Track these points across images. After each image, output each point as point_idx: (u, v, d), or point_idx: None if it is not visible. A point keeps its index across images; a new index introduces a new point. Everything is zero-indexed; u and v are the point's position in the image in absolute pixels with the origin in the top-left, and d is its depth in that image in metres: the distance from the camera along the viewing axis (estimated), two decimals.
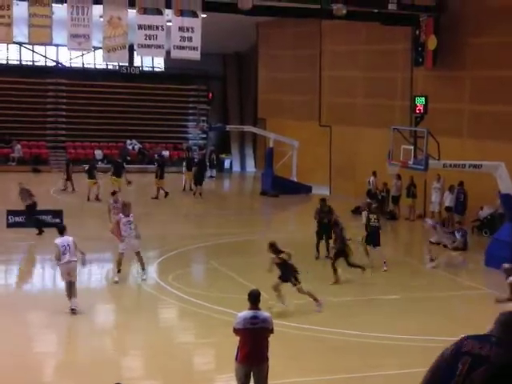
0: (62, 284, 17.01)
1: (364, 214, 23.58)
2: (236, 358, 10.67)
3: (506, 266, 15.31)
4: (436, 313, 17.15)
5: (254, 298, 10.85)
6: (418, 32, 30.54)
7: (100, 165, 40.78)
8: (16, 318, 15.98)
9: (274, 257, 16.36)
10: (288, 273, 16.36)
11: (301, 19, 34.91)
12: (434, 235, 24.62)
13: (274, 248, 16.40)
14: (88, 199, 32.76)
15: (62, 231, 16.91)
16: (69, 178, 35.87)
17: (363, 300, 18.39)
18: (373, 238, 21.61)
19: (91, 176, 33.71)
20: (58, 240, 16.54)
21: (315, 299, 16.66)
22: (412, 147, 23.98)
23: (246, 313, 10.78)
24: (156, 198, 34.28)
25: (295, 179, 38.03)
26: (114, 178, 33.98)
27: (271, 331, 10.81)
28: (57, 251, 16.36)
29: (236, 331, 10.74)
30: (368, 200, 24.28)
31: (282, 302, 16.45)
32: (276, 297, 16.38)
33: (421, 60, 30.57)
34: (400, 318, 16.79)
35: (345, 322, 16.01)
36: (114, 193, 24.60)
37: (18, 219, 26.01)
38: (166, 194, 34.45)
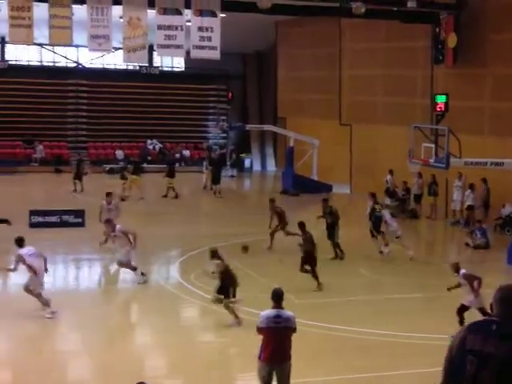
0: (93, 283, 16.97)
1: (369, 204, 23.70)
2: (259, 357, 10.67)
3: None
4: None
5: (278, 297, 10.82)
6: (438, 29, 30.40)
7: (121, 165, 40.92)
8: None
9: (218, 262, 15.85)
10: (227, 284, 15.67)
11: (320, 18, 34.82)
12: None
13: (214, 255, 15.94)
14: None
15: (21, 243, 16.25)
16: (79, 178, 35.58)
17: (384, 299, 18.34)
18: (375, 226, 22.64)
19: (123, 176, 34.03)
20: (23, 251, 15.99)
21: (236, 316, 15.65)
22: (433, 145, 23.90)
23: (269, 312, 10.77)
24: (165, 196, 34.30)
25: (316, 178, 37.99)
26: (133, 177, 34.09)
27: (294, 330, 10.78)
28: (27, 263, 15.78)
29: (259, 330, 10.73)
30: (371, 192, 24.51)
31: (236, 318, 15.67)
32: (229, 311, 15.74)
33: (441, 58, 30.43)
34: (422, 316, 16.73)
35: (368, 321, 15.96)
36: (108, 194, 24.05)
37: (40, 219, 26.17)
38: (176, 195, 34.24)
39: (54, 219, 25.96)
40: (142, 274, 19.08)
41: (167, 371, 13.72)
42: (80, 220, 26.30)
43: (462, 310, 15.06)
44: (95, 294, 19.10)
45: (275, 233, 23.47)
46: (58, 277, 20.90)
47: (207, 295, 17.53)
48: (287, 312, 10.85)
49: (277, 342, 10.62)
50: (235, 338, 14.98)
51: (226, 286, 15.61)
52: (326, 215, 22.68)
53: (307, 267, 18.61)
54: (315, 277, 18.50)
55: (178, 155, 47.11)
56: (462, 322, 14.81)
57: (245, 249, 19.14)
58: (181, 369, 13.49)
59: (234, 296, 15.68)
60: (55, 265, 22.48)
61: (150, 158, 45.52)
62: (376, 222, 22.85)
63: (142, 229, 22.66)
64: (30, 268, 15.72)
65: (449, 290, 15.69)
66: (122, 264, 19.22)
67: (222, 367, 13.93)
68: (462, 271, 15.35)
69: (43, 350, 14.20)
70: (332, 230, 22.27)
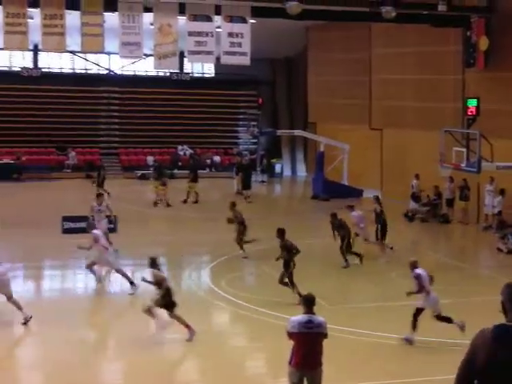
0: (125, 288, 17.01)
1: (376, 207, 23.81)
2: (290, 363, 10.66)
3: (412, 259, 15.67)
4: (492, 317, 16.88)
5: (309, 303, 10.79)
6: (468, 33, 30.22)
7: (151, 171, 41.18)
8: (86, 321, 16.24)
9: (156, 272, 15.37)
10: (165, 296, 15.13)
11: (350, 22, 34.79)
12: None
13: (153, 264, 15.53)
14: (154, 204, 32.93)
15: None
16: (99, 185, 35.83)
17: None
18: (383, 229, 23.05)
19: (163, 182, 34.14)
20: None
21: (187, 326, 15.17)
22: (464, 149, 23.76)
23: (300, 317, 10.74)
24: (185, 201, 34.42)
25: (346, 183, 37.93)
26: (157, 183, 34.33)
27: (325, 336, 10.76)
28: None
29: (290, 335, 10.70)
30: (375, 196, 24.67)
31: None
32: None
33: (472, 61, 30.23)
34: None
35: (400, 327, 15.79)
36: (99, 195, 23.99)
37: (72, 225, 26.36)
38: (196, 200, 34.29)
39: (85, 224, 26.13)
40: (132, 283, 18.91)
41: (199, 376, 13.79)
42: (112, 226, 26.50)
43: (418, 313, 14.81)
44: (124, 299, 19.20)
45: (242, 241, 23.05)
46: (91, 282, 21.11)
47: (239, 300, 17.61)
48: (319, 317, 10.82)
49: (308, 348, 10.59)
50: (266, 344, 15.02)
51: (163, 297, 14.99)
52: (336, 229, 22.19)
53: (286, 279, 17.85)
54: (292, 286, 17.74)
55: (208, 161, 47.32)
56: (415, 325, 14.68)
57: (230, 221, 20.63)
58: (212, 374, 13.55)
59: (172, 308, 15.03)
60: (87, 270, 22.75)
61: (180, 163, 45.73)
62: (384, 226, 23.13)
63: (172, 234, 22.86)
64: None
65: (409, 294, 15.26)
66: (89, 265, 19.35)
67: (253, 372, 13.98)
68: (416, 271, 15.03)
69: (76, 351, 14.33)
70: (347, 242, 21.99)
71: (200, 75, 50.93)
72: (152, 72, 47.49)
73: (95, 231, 19.50)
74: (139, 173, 43.72)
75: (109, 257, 19.22)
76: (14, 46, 28.06)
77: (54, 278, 21.94)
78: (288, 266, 17.92)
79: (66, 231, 26.11)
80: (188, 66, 48.54)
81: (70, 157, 45.42)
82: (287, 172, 49.09)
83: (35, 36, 26.65)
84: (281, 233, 18.55)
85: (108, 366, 14.30)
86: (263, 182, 44.22)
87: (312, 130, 43.93)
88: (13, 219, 27.33)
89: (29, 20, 26.10)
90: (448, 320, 14.94)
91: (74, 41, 28.01)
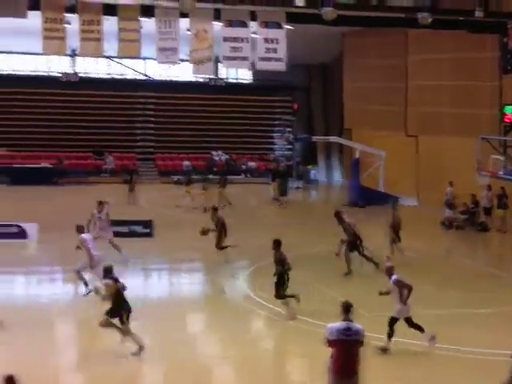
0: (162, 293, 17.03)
1: (393, 212, 23.87)
2: (329, 370, 10.60)
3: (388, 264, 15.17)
4: None
5: (347, 310, 10.75)
6: (505, 39, 29.89)
7: (187, 176, 41.32)
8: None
9: (109, 283, 14.69)
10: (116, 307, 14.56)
11: (386, 28, 34.63)
12: None
13: (107, 274, 14.87)
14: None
15: None
16: (130, 190, 36.06)
17: (449, 313, 18.00)
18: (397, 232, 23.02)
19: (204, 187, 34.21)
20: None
21: (139, 346, 14.47)
22: (502, 157, 23.53)
23: (339, 324, 10.71)
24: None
25: (382, 190, 37.72)
26: (187, 187, 34.48)
27: (362, 344, 10.68)
28: None
29: (329, 343, 10.65)
30: None
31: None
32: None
33: (509, 67, 29.85)
34: (496, 331, 16.35)
35: (444, 337, 15.49)
36: (100, 202, 23.69)
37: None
38: (224, 205, 34.31)
39: (122, 229, 26.34)
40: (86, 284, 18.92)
41: (235, 382, 13.79)
42: (148, 230, 26.72)
43: (393, 322, 14.52)
44: (163, 304, 19.25)
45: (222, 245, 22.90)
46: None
47: (275, 307, 17.54)
48: (356, 325, 10.75)
49: (347, 355, 10.54)
50: (303, 350, 15.00)
51: (118, 310, 14.43)
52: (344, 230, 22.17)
53: (283, 292, 17.19)
54: (286, 301, 17.20)
55: (243, 166, 47.39)
56: (391, 335, 14.43)
57: (204, 232, 20.98)
58: (249, 380, 13.55)
59: (127, 320, 14.43)
60: (125, 274, 22.92)
61: (215, 169, 45.86)
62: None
63: (206, 239, 22.90)
64: None
65: (381, 294, 14.96)
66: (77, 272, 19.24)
67: (291, 380, 13.97)
68: (394, 277, 14.63)
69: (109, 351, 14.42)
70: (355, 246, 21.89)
71: (235, 81, 51.05)
72: (188, 77, 47.69)
73: (83, 235, 19.37)
74: (175, 178, 43.83)
75: (93, 263, 18.85)
76: (51, 51, 28.35)
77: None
78: (281, 280, 17.10)
79: None
80: (223, 72, 48.69)
81: (108, 161, 45.77)
82: (322, 178, 48.97)
83: (73, 41, 26.93)
84: (276, 244, 17.44)
85: (138, 365, 14.34)
86: (298, 188, 44.17)
87: (347, 136, 43.78)
88: (51, 222, 27.60)
89: (66, 25, 26.38)
90: (419, 328, 14.78)
91: (110, 46, 28.25)
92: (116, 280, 14.61)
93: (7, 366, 11.38)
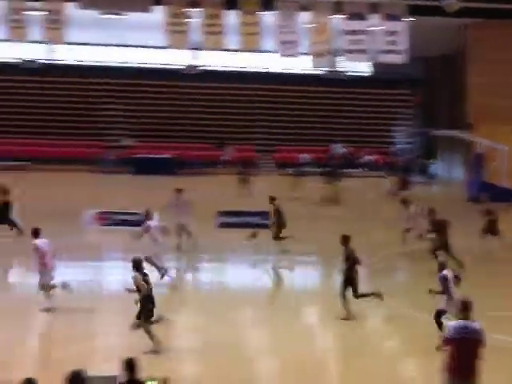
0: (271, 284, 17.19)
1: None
2: (445, 370, 10.35)
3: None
4: None
5: (465, 308, 10.39)
6: None
7: (305, 169, 41.47)
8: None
9: (137, 275, 14.38)
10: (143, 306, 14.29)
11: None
12: None
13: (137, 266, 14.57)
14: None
15: (37, 234, 17.00)
16: (245, 182, 36.28)
17: None
18: None
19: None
20: (38, 241, 16.79)
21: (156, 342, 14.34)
22: None
23: (455, 323, 10.46)
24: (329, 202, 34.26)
25: (506, 186, 36.63)
26: (301, 180, 34.77)
27: (482, 343, 10.27)
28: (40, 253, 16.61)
29: (447, 341, 10.41)
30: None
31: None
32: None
33: None
34: None
35: None
36: (178, 190, 24.03)
37: (228, 220, 26.96)
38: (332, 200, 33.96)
39: (240, 220, 26.72)
40: None
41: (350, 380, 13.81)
42: (265, 221, 26.95)
43: (439, 315, 14.43)
44: (269, 294, 19.41)
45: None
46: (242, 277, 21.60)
47: (393, 301, 17.40)
48: (476, 324, 10.37)
49: (465, 355, 10.23)
50: (418, 347, 14.87)
51: (147, 305, 14.24)
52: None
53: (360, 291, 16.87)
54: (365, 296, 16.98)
55: (361, 160, 47.01)
56: (440, 326, 14.21)
57: (253, 235, 20.65)
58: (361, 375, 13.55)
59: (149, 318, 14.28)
60: (241, 265, 23.35)
61: (334, 162, 45.65)
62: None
63: (326, 231, 23.01)
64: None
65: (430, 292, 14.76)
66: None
67: (407, 376, 13.90)
68: (444, 272, 14.52)
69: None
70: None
71: (355, 74, 50.63)
72: (307, 70, 47.68)
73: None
74: (291, 170, 43.91)
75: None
76: (175, 45, 29.08)
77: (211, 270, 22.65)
78: (350, 276, 16.76)
79: (222, 225, 26.83)
80: (342, 65, 48.38)
81: (227, 153, 46.31)
82: (443, 173, 47.99)
83: (195, 35, 27.54)
84: (345, 240, 17.07)
85: (253, 358, 14.54)
86: (419, 182, 43.46)
87: (470, 130, 42.72)
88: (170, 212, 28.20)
89: (189, 20, 27.00)
90: None
91: (232, 39, 28.70)
92: (144, 274, 14.47)
93: None
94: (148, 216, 19.92)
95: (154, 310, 14.33)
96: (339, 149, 47.65)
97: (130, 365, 9.78)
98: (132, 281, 14.32)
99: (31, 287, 17.25)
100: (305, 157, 45.87)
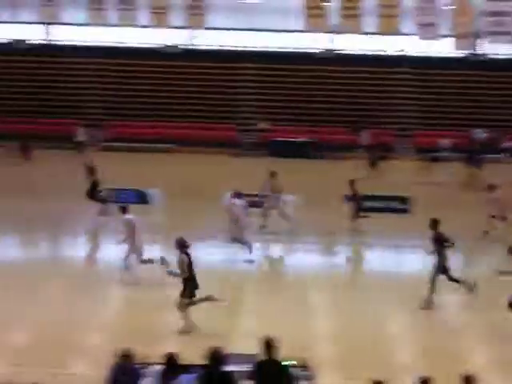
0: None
1: None
2: None
3: None
4: None
5: None
6: None
7: (445, 154, 40.62)
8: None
9: (184, 257, 14.52)
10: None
11: None
12: None
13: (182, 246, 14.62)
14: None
15: (125, 210, 18.17)
16: (372, 165, 35.65)
17: None
18: None
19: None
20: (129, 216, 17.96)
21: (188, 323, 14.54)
22: None
23: None
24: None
25: None
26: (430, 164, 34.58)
27: None
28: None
29: None
30: None
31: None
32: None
33: None
34: None
35: None
36: (274, 172, 24.90)
37: (366, 204, 26.63)
38: (476, 187, 32.62)
39: (378, 204, 26.55)
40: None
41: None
42: (405, 207, 26.69)
43: None
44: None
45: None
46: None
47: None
48: None
49: None
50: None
51: (193, 283, 14.56)
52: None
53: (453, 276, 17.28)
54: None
55: (505, 145, 45.40)
56: None
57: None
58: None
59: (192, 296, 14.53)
60: (376, 250, 23.30)
61: (476, 147, 44.39)
62: None
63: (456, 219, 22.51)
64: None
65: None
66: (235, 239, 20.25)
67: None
68: None
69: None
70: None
71: (496, 57, 48.80)
72: (446, 53, 46.47)
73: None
74: (430, 155, 43.07)
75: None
76: (314, 28, 29.19)
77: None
78: (442, 260, 17.02)
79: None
80: (484, 47, 46.83)
81: (363, 137, 45.84)
82: None
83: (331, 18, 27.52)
84: (434, 223, 17.50)
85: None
86: None
87: None
88: (302, 196, 28.24)
89: (327, 3, 27.00)
90: None
91: (369, 22, 28.49)
92: (188, 254, 14.51)
93: None
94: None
95: (196, 292, 14.53)
96: (480, 134, 46.27)
97: (268, 344, 10.00)
98: (176, 262, 14.48)
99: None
100: (445, 142, 44.88)
